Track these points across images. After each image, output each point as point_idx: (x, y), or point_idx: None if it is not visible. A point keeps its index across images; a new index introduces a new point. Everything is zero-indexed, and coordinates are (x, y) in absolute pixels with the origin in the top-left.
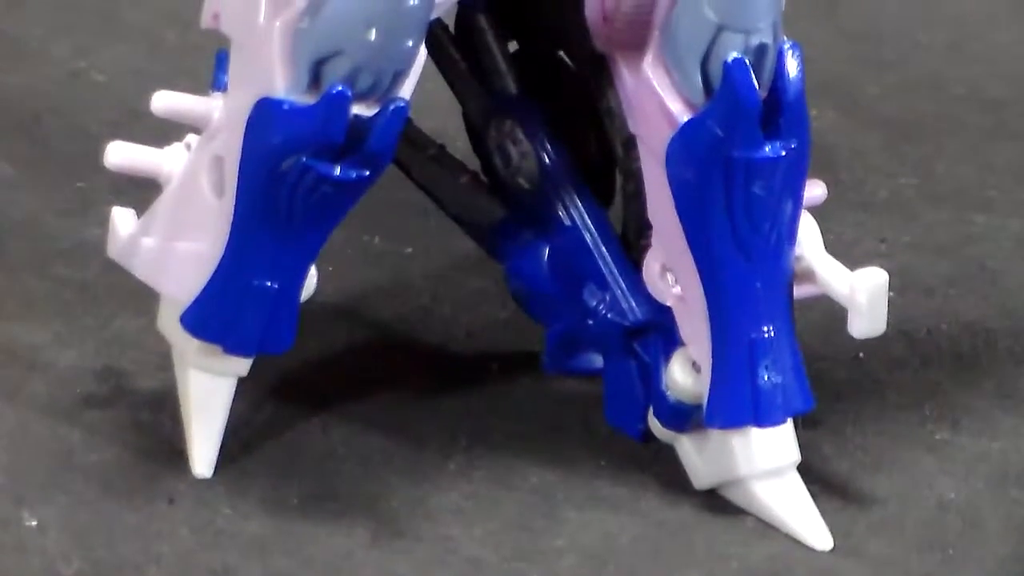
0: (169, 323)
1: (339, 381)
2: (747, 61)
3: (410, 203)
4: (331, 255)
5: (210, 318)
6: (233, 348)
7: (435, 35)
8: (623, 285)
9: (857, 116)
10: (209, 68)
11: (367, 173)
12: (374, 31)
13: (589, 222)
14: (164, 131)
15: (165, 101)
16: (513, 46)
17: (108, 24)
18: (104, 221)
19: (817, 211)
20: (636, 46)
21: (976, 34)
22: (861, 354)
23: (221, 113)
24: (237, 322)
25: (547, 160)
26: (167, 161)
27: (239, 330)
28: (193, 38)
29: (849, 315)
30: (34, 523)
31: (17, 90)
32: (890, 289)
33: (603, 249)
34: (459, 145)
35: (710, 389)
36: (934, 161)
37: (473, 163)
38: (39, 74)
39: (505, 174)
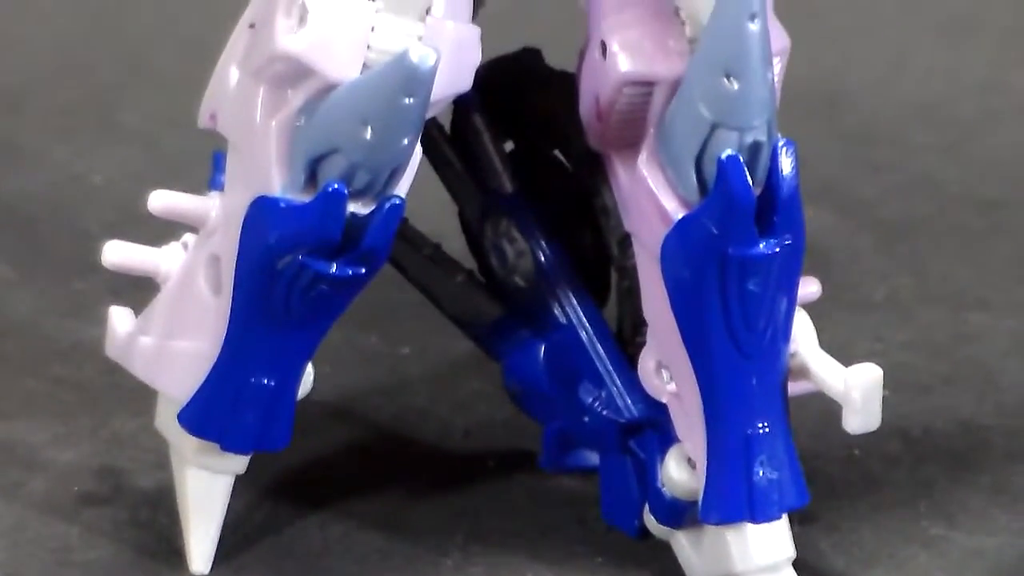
0: (167, 421)
1: (336, 479)
2: (741, 159)
3: (408, 304)
4: (328, 355)
5: (207, 416)
6: (230, 446)
7: (431, 134)
8: (619, 382)
9: (853, 217)
10: (206, 170)
11: (363, 271)
12: (370, 129)
13: (585, 320)
14: (161, 232)
15: (162, 200)
16: (509, 145)
17: (106, 128)
18: (102, 322)
19: (812, 312)
20: (630, 144)
21: (972, 135)
22: (856, 451)
23: (218, 212)
24: (234, 420)
25: (543, 259)
26: (164, 260)
27: (236, 427)
28: (190, 141)
29: (844, 411)
30: None
31: (15, 193)
32: (885, 387)
33: (599, 347)
34: (455, 245)
35: (705, 485)
36: (930, 261)
37: (469, 262)
38: (37, 177)
39: (501, 273)
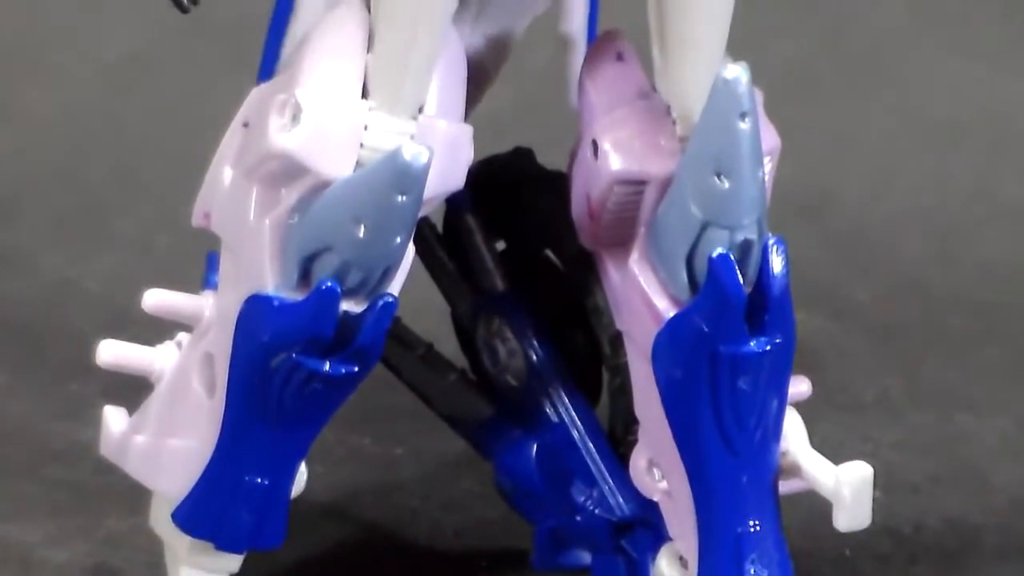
0: (161, 520)
1: None
2: (732, 257)
3: (400, 405)
4: (321, 455)
5: (202, 514)
6: (224, 544)
7: (423, 234)
8: (610, 481)
9: (843, 320)
10: (200, 272)
11: (356, 368)
12: (363, 227)
13: (576, 418)
14: (156, 334)
15: (156, 299)
16: (501, 245)
17: (99, 234)
18: (96, 423)
19: (803, 413)
20: (622, 243)
21: (961, 240)
22: (847, 551)
23: (212, 311)
24: (228, 518)
25: (535, 358)
26: (158, 359)
27: (230, 526)
28: (183, 243)
29: (834, 509)
30: None
31: (9, 299)
32: (876, 487)
33: (590, 445)
34: (448, 346)
35: None
36: (919, 363)
37: (461, 362)
38: (31, 283)
39: (493, 372)
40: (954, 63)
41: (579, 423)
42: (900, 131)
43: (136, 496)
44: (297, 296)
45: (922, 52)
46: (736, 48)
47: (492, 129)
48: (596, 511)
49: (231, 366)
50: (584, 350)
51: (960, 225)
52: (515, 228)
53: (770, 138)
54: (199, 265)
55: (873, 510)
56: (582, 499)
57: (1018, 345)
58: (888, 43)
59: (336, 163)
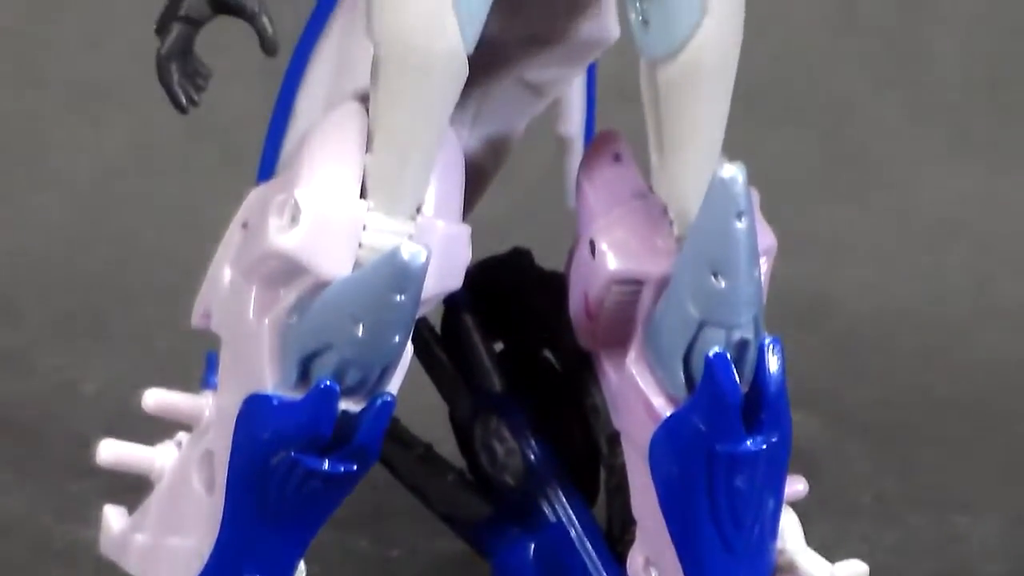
0: None
1: None
2: (729, 356)
3: (398, 506)
4: (318, 556)
5: None
6: None
7: (421, 334)
8: None
9: (840, 421)
10: (200, 372)
11: (355, 467)
12: (361, 327)
13: (574, 518)
14: (156, 432)
15: (156, 398)
16: (499, 345)
17: (100, 334)
18: (96, 523)
19: (800, 514)
20: (619, 343)
21: (957, 340)
22: None
23: (211, 410)
24: None
25: (532, 457)
26: (158, 458)
27: None
28: (183, 344)
29: None
30: None
31: (10, 399)
32: None
33: (588, 544)
34: (446, 445)
35: None
36: (916, 465)
37: (460, 461)
38: (31, 384)
39: (491, 472)
40: (949, 162)
41: (576, 522)
42: (896, 231)
43: None
44: (296, 395)
45: (918, 152)
46: (732, 148)
47: (490, 230)
48: None
49: (230, 464)
50: (581, 449)
51: (957, 325)
52: (513, 329)
53: (766, 238)
54: (199, 366)
55: None
56: None
57: (1012, 444)
58: (884, 143)
59: (335, 263)
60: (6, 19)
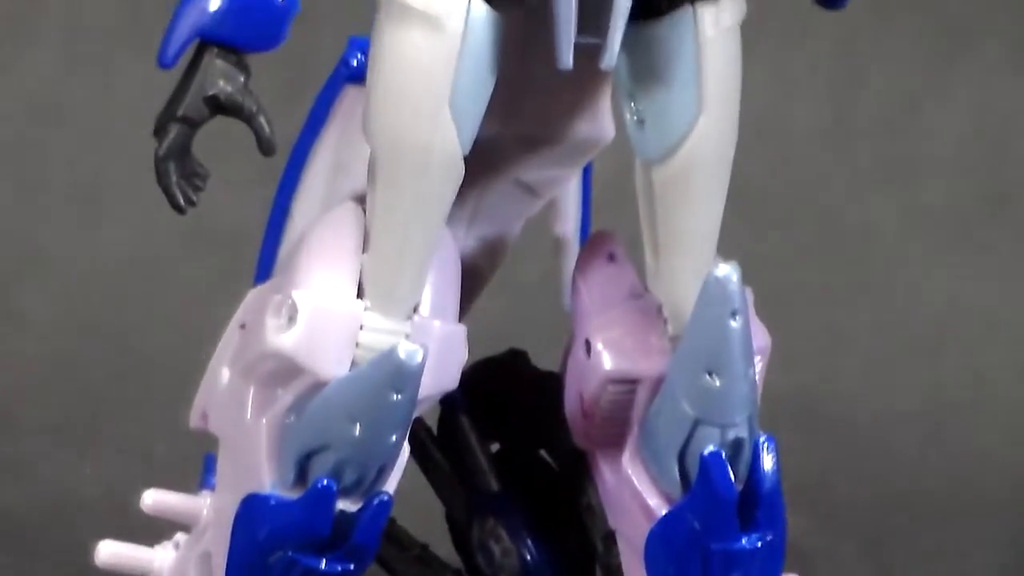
0: None
1: None
2: (724, 454)
3: None
4: None
5: None
6: None
7: (418, 434)
8: None
9: (833, 523)
10: (198, 475)
11: (352, 567)
12: (359, 426)
13: None
14: (154, 536)
15: (154, 499)
16: (495, 445)
17: (96, 439)
18: None
19: None
20: (615, 442)
21: (949, 442)
22: None
23: (209, 510)
24: None
25: (529, 558)
26: (157, 559)
27: None
28: (181, 448)
29: None
30: None
31: (9, 506)
32: None
33: None
34: (443, 545)
35: None
36: (909, 567)
37: (457, 562)
38: (30, 490)
39: (488, 572)
40: (942, 263)
41: None
42: (890, 334)
43: None
44: (294, 494)
45: (911, 257)
46: (727, 249)
47: (486, 329)
48: None
49: (228, 564)
50: (578, 549)
51: (949, 425)
52: (509, 429)
53: (761, 337)
54: (197, 469)
55: None
56: None
57: (1006, 547)
58: (877, 248)
59: (332, 363)
60: (6, 122)
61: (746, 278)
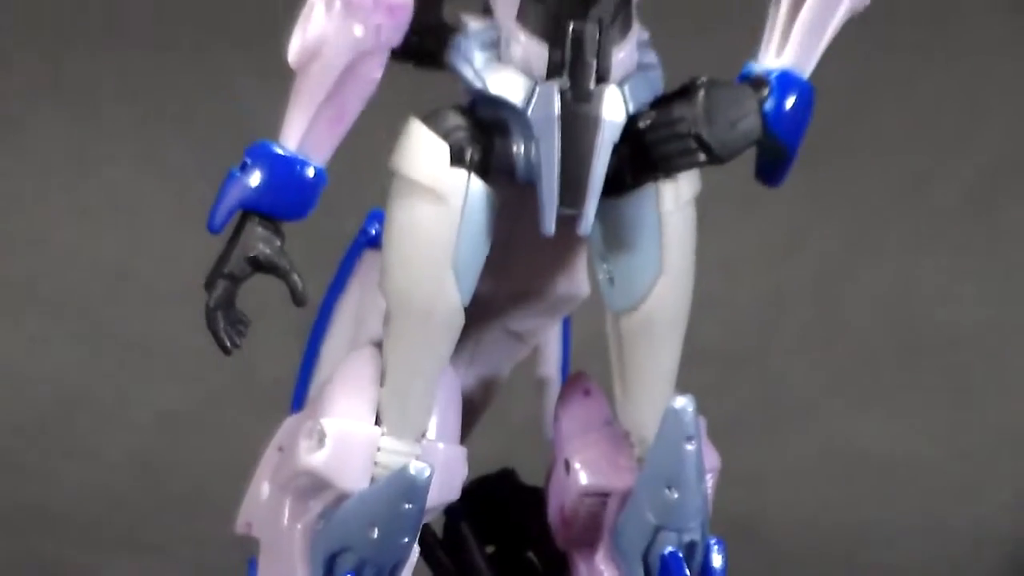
0: None
1: None
2: (680, 554)
3: None
4: None
5: None
6: None
7: (426, 538)
8: None
9: None
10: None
11: None
12: (376, 531)
13: None
14: None
15: None
16: (491, 548)
17: (131, 546)
18: None
19: None
20: (589, 544)
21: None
22: None
23: None
24: None
25: None
26: None
27: None
28: (231, 557)
29: None
30: None
31: None
32: None
33: None
34: None
35: None
36: None
37: None
38: None
39: None
40: (859, 408)
41: None
42: (814, 463)
43: None
44: None
45: (833, 401)
46: (683, 387)
47: (483, 453)
48: None
49: None
50: None
51: (865, 544)
52: (502, 534)
53: (711, 457)
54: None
55: None
56: None
57: None
58: (802, 393)
59: (354, 479)
60: (71, 276)
61: (698, 410)
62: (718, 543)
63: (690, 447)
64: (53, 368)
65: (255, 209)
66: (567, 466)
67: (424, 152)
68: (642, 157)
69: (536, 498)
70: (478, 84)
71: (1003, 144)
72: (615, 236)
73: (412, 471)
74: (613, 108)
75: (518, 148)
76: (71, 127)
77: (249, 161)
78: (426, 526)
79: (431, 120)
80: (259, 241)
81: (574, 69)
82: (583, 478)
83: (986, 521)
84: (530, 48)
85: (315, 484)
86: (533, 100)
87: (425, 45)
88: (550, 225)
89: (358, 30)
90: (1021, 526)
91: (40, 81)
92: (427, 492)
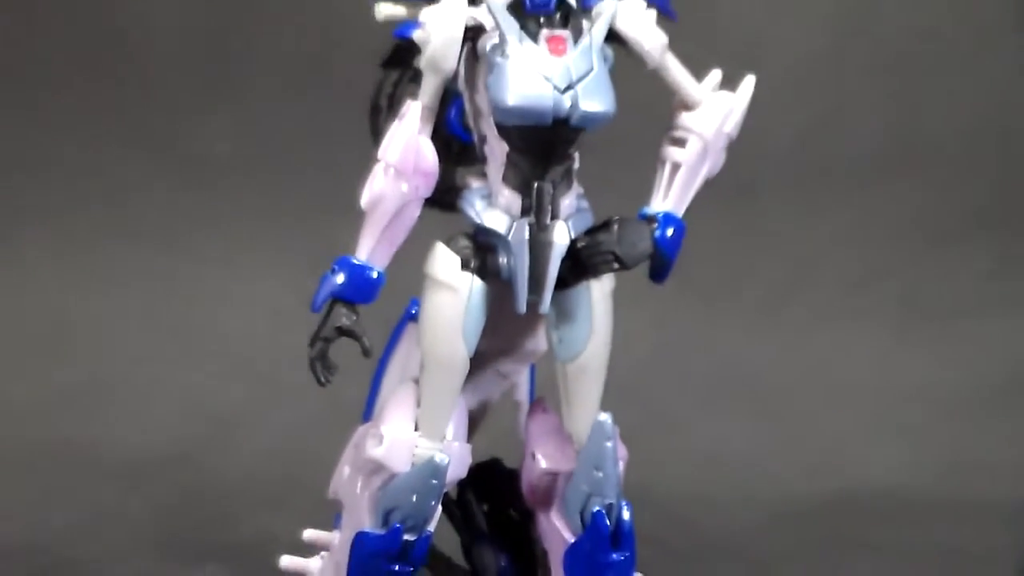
0: None
1: None
2: (603, 511)
3: None
4: None
5: None
6: None
7: (446, 500)
8: None
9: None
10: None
11: (411, 569)
12: (415, 496)
13: None
14: None
15: (313, 535)
16: (486, 506)
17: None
18: None
19: None
20: (547, 504)
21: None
22: None
23: (338, 541)
24: None
25: (502, 563)
26: (312, 565)
27: None
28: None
29: None
30: None
31: None
32: None
33: None
34: (456, 556)
35: None
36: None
37: (465, 568)
38: None
39: (480, 571)
40: (711, 423)
41: None
42: (685, 456)
43: None
44: (381, 531)
45: (695, 417)
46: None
47: (480, 448)
48: None
49: (349, 568)
50: (529, 557)
51: (713, 507)
52: (492, 497)
53: (621, 450)
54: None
55: None
56: None
57: None
58: (674, 412)
59: (401, 464)
60: (236, 330)
61: (615, 421)
62: (627, 505)
63: (609, 444)
64: (218, 394)
65: (340, 297)
66: (533, 456)
67: (444, 262)
68: (579, 265)
69: (514, 476)
70: (478, 220)
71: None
72: (563, 314)
73: (437, 460)
74: (561, 236)
75: (503, 260)
76: (238, 244)
77: (336, 267)
78: (445, 494)
79: (448, 242)
80: (343, 317)
81: (537, 211)
82: (542, 463)
83: (794, 497)
84: (510, 198)
85: (376, 467)
86: (512, 231)
87: (446, 197)
88: (522, 307)
89: (404, 187)
90: (816, 497)
91: (201, 208)
92: (446, 473)
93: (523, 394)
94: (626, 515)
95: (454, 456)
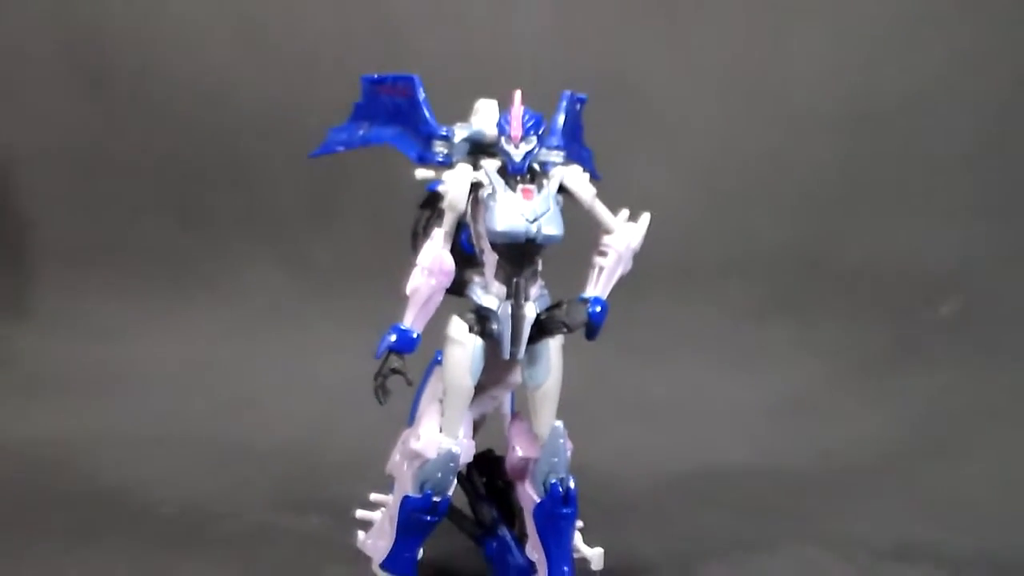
0: None
1: None
2: (558, 483)
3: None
4: None
5: None
6: None
7: (459, 475)
8: None
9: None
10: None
11: (436, 519)
12: (440, 473)
13: (506, 529)
14: None
15: (376, 497)
16: (484, 479)
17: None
18: None
19: None
20: (522, 478)
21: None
22: None
23: (391, 501)
24: None
25: (494, 515)
26: (374, 517)
27: None
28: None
29: None
30: None
31: None
32: None
33: (508, 538)
34: (466, 512)
35: None
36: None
37: (473, 521)
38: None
39: (478, 523)
40: (626, 428)
41: (507, 530)
42: (611, 443)
43: None
44: (418, 496)
45: (615, 421)
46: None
47: (480, 442)
48: None
49: (398, 520)
50: (509, 514)
51: (638, 478)
52: (487, 473)
53: (569, 444)
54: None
55: None
56: None
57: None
58: (596, 419)
59: (432, 454)
60: (327, 373)
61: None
62: (572, 478)
63: (562, 441)
64: (322, 410)
65: (393, 349)
66: (513, 448)
67: (457, 327)
68: (542, 329)
69: (501, 460)
70: (479, 302)
71: None
72: (531, 359)
73: (454, 450)
74: (531, 311)
75: (494, 326)
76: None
77: (391, 330)
78: (459, 471)
79: (461, 316)
80: (395, 362)
81: (516, 296)
82: (519, 453)
83: (672, 471)
84: (498, 288)
85: (416, 455)
86: (500, 308)
87: (459, 287)
88: (506, 355)
89: (432, 282)
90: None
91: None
92: (460, 458)
93: (507, 409)
94: (572, 485)
95: (464, 448)
